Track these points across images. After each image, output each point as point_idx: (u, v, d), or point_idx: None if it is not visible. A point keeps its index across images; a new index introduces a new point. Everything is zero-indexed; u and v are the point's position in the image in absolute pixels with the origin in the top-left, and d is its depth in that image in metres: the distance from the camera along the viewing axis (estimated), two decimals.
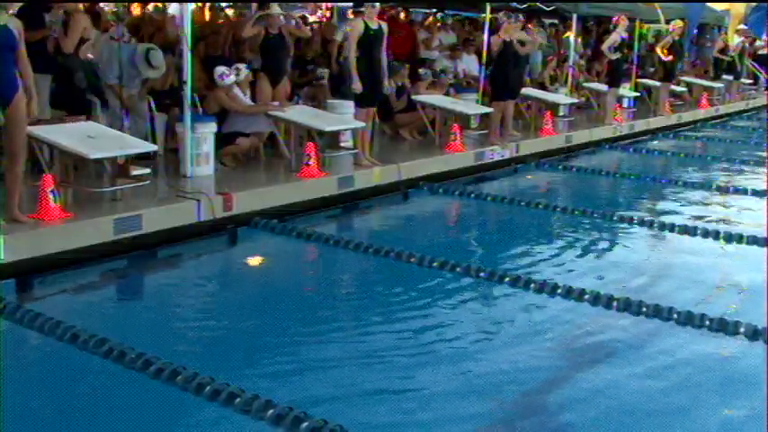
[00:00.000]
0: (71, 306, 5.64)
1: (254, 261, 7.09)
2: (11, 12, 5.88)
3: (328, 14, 15.62)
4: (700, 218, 8.62)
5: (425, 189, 9.28)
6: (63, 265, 5.89)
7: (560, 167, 11.37)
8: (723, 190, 10.20)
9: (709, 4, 18.40)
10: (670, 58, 15.38)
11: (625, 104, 15.71)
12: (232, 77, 8.59)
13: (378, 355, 4.95)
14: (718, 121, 17.92)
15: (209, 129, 8.01)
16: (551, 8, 13.82)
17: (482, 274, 6.24)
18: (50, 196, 6.07)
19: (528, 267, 6.69)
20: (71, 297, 5.79)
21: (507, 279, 6.14)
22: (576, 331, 5.44)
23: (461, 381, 4.56)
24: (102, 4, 11.41)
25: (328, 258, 6.99)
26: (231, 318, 5.59)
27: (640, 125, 14.93)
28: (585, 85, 15.48)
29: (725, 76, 19.76)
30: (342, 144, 9.43)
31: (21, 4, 6.59)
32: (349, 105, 9.28)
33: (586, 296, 5.80)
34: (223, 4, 12.78)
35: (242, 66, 8.99)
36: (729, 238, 7.63)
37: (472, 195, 9.32)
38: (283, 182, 8.12)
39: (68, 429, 3.90)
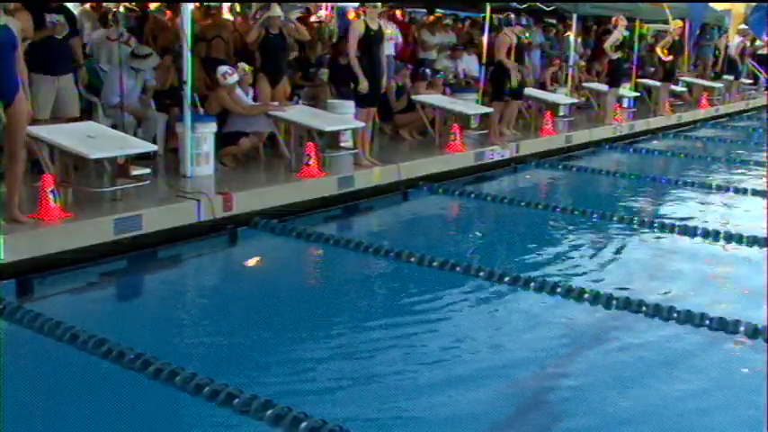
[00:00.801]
0: (71, 306, 5.64)
1: (254, 261, 7.09)
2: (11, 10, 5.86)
3: (326, 14, 15.60)
4: (700, 218, 8.61)
5: (425, 189, 9.27)
6: (63, 265, 5.89)
7: (560, 167, 11.36)
8: (723, 190, 10.20)
9: (710, 4, 18.40)
10: (670, 58, 15.38)
11: (625, 104, 15.71)
12: (235, 77, 8.60)
13: (378, 354, 4.96)
14: (718, 121, 17.91)
15: (209, 129, 8.00)
16: (551, 8, 13.82)
17: (482, 274, 6.24)
18: (50, 196, 6.07)
19: (528, 267, 6.68)
20: (71, 297, 5.79)
21: (507, 279, 6.14)
22: (576, 331, 5.44)
23: (462, 380, 4.55)
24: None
25: (328, 258, 6.99)
26: (231, 318, 5.60)
27: (640, 125, 14.92)
28: (585, 85, 15.47)
29: (725, 76, 19.77)
30: (342, 144, 9.43)
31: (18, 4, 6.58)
32: (349, 105, 9.28)
33: (586, 296, 5.80)
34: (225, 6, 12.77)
35: (244, 64, 9.00)
36: (729, 238, 7.62)
37: (472, 195, 9.31)
38: (283, 182, 8.12)
39: (68, 429, 3.90)
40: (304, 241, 7.12)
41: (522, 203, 8.92)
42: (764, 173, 11.40)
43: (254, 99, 9.00)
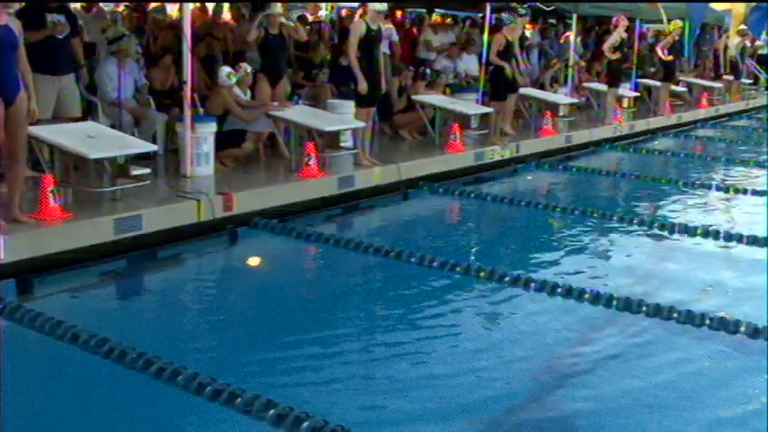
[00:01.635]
0: (71, 306, 5.64)
1: (254, 261, 7.09)
2: (10, 11, 5.85)
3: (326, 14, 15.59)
4: (700, 218, 8.61)
5: (425, 189, 9.28)
6: (63, 265, 5.89)
7: (560, 167, 11.36)
8: (723, 190, 10.20)
9: (710, 4, 18.39)
10: (670, 57, 15.38)
11: (625, 104, 15.72)
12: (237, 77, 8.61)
13: (379, 355, 4.96)
14: (718, 121, 17.92)
15: (209, 129, 8.00)
16: (551, 8, 13.82)
17: (482, 274, 6.24)
18: (50, 196, 6.07)
19: (528, 267, 6.68)
20: (71, 297, 5.79)
21: (507, 279, 6.14)
22: (576, 331, 5.44)
23: (462, 380, 4.55)
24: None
25: (328, 258, 6.99)
26: (231, 317, 5.60)
27: (640, 125, 14.93)
28: (585, 85, 15.48)
29: (725, 76, 19.77)
30: (342, 144, 9.43)
31: (20, 4, 6.58)
32: (349, 105, 9.28)
33: (586, 296, 5.80)
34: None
35: (245, 65, 9.00)
36: (729, 237, 7.63)
37: (472, 195, 9.31)
38: (283, 182, 8.11)
39: (69, 429, 3.90)
40: (304, 241, 7.12)
41: (522, 203, 8.92)
42: (764, 173, 11.40)
43: (252, 99, 8.99)
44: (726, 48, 19.88)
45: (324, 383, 4.48)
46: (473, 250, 7.65)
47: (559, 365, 4.92)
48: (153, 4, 12.22)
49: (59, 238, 5.97)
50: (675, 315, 5.49)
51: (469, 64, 13.66)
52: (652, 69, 17.60)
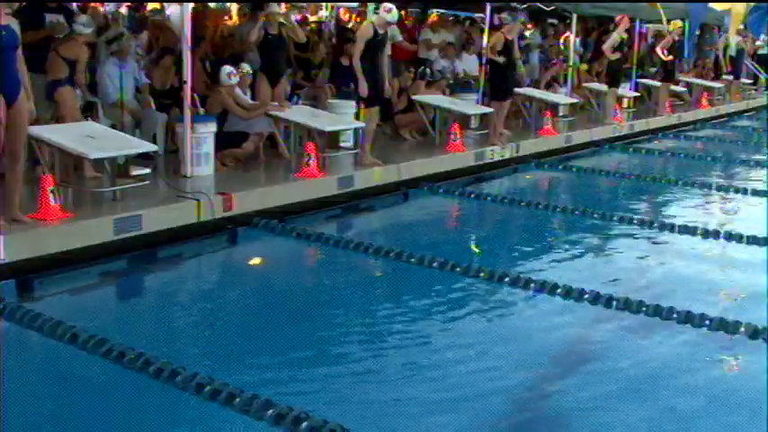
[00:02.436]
0: (71, 306, 5.64)
1: (254, 261, 7.10)
2: (8, 11, 5.86)
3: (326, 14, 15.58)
4: (700, 218, 8.61)
5: (425, 189, 9.28)
6: (63, 265, 5.89)
7: (560, 167, 11.36)
8: (723, 190, 10.20)
9: (709, 4, 18.38)
10: (670, 57, 15.38)
11: (625, 104, 15.71)
12: (238, 77, 8.62)
13: (378, 355, 4.96)
14: (718, 121, 17.92)
15: (209, 129, 8.00)
16: (551, 8, 13.82)
17: (482, 275, 6.24)
18: (50, 196, 6.07)
19: (528, 267, 6.69)
20: (71, 297, 5.79)
21: (507, 279, 6.14)
22: (576, 331, 5.44)
23: (462, 380, 4.55)
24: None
25: (328, 258, 6.99)
26: (231, 317, 5.60)
27: (640, 125, 14.93)
28: (585, 85, 15.47)
29: (725, 76, 19.75)
30: (341, 144, 9.43)
31: (18, 3, 6.58)
32: (349, 105, 9.27)
33: (586, 296, 5.80)
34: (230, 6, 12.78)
35: (246, 65, 9.01)
36: (729, 237, 7.63)
37: (472, 195, 9.32)
38: (283, 182, 8.12)
39: (68, 429, 3.91)
40: (304, 241, 7.12)
41: (522, 203, 8.92)
42: (764, 173, 11.39)
43: (252, 99, 9.00)
44: (726, 48, 19.86)
45: (323, 383, 4.48)
46: (473, 250, 7.65)
47: (559, 365, 4.92)
48: (150, 5, 12.21)
49: (59, 238, 5.97)
50: (675, 315, 5.49)
51: (470, 64, 13.65)
52: (652, 69, 17.59)
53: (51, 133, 6.52)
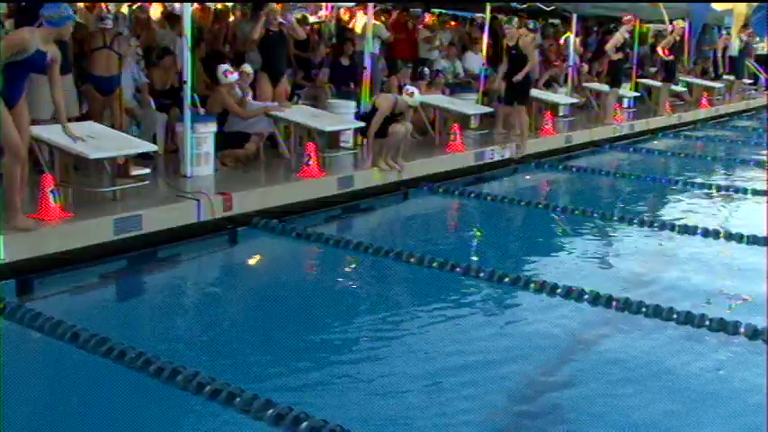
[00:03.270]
0: (71, 306, 5.64)
1: (254, 261, 7.10)
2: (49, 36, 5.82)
3: (326, 14, 15.56)
4: (700, 218, 8.61)
5: (425, 189, 9.28)
6: (63, 265, 5.89)
7: (560, 167, 11.37)
8: (723, 190, 10.20)
9: (711, 4, 18.37)
10: (671, 57, 15.37)
11: (625, 104, 15.71)
12: (236, 75, 8.61)
13: (378, 355, 4.96)
14: (718, 121, 17.92)
15: (209, 129, 8.00)
16: (551, 8, 13.82)
17: (482, 275, 6.24)
18: (50, 196, 6.07)
19: (528, 267, 6.69)
20: (71, 297, 5.79)
21: (507, 279, 6.13)
22: (576, 331, 5.44)
23: (462, 380, 4.55)
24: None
25: (328, 258, 6.99)
26: (231, 317, 5.60)
27: (640, 125, 14.93)
28: (586, 85, 15.48)
29: (725, 76, 19.75)
30: (341, 144, 9.44)
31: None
32: (349, 105, 9.27)
33: (586, 296, 5.80)
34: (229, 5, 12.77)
35: (246, 66, 9.01)
36: (729, 237, 7.63)
37: (472, 195, 9.32)
38: (283, 182, 8.12)
39: (68, 429, 3.90)
40: (304, 241, 7.12)
41: (522, 203, 8.92)
42: (764, 173, 11.40)
43: (254, 98, 9.00)
44: (725, 48, 19.85)
45: (323, 383, 4.48)
46: (473, 250, 7.65)
47: (559, 365, 4.92)
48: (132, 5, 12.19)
49: (59, 238, 5.97)
50: (675, 316, 5.49)
51: (473, 63, 13.65)
52: (652, 69, 17.59)
53: (51, 133, 6.51)
